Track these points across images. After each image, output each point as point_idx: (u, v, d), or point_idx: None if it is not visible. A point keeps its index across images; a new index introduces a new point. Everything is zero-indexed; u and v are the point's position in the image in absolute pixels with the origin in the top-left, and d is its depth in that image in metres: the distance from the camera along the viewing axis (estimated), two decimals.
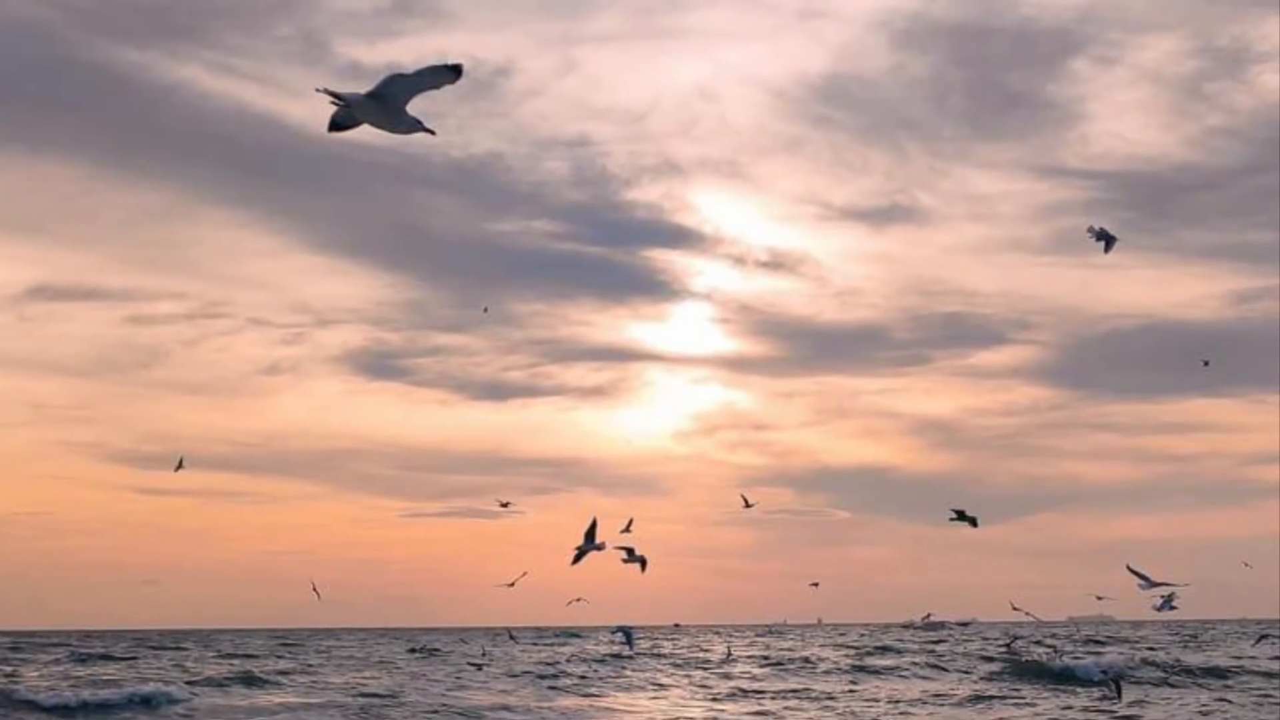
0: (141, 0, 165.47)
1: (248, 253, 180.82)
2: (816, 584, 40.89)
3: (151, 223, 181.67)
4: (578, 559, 16.68)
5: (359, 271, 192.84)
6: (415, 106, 8.90)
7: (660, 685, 32.35)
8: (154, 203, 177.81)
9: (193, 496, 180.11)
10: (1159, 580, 19.28)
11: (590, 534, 16.59)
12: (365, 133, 9.23)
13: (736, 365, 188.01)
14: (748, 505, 25.90)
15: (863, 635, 77.68)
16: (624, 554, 18.34)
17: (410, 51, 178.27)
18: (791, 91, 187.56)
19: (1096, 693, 27.39)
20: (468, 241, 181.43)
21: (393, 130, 9.14)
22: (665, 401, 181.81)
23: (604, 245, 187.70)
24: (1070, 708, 24.37)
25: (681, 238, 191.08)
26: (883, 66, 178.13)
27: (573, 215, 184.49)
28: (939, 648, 51.73)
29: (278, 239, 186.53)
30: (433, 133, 9.15)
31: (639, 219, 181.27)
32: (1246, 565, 30.37)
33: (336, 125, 9.12)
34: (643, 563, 18.51)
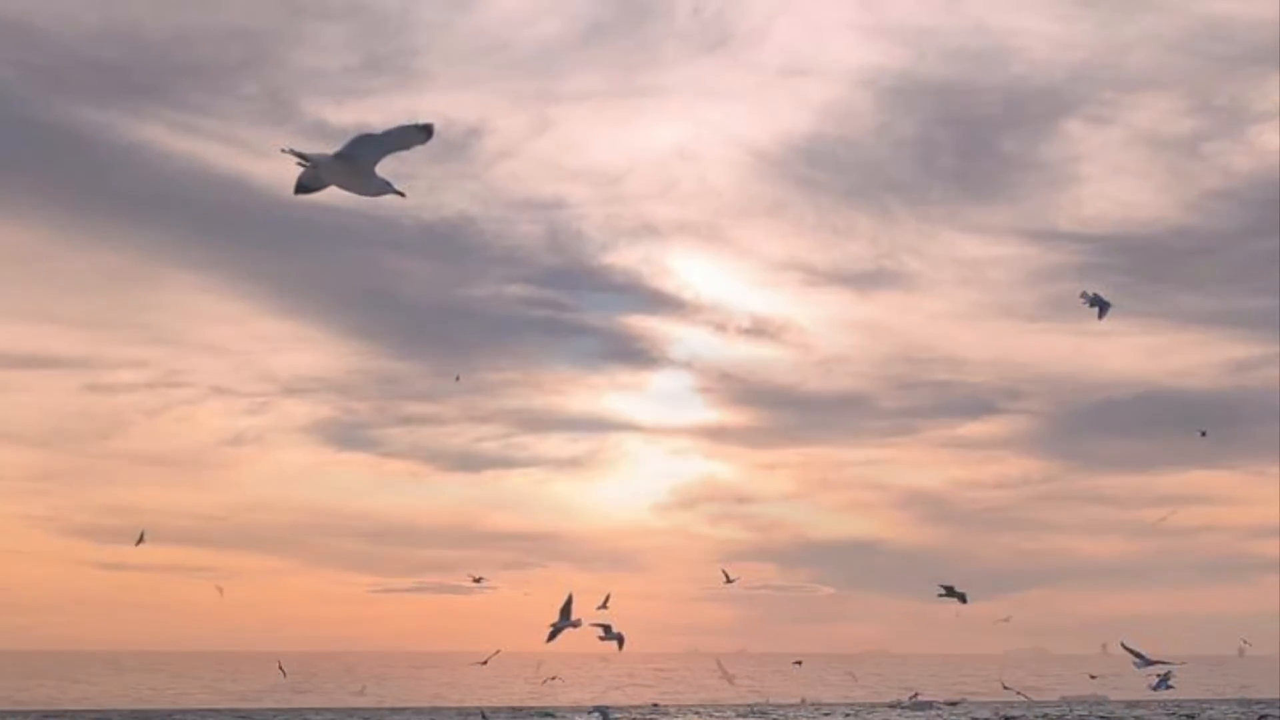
0: (102, 58, 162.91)
1: (211, 318, 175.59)
2: (799, 662, 40.12)
3: (111, 287, 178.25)
4: (553, 636, 16.19)
5: (326, 338, 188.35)
6: (384, 167, 8.64)
7: None
8: (114, 266, 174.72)
9: (155, 572, 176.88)
10: (1154, 659, 18.86)
11: (566, 610, 16.13)
12: (333, 194, 8.95)
13: (718, 435, 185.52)
14: (729, 581, 25.41)
15: (848, 716, 75.97)
16: (601, 631, 17.85)
17: (379, 111, 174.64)
18: (774, 152, 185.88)
19: None
20: (439, 307, 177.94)
21: (361, 192, 8.90)
22: (644, 473, 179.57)
23: (580, 311, 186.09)
24: None
25: (661, 303, 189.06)
26: (869, 126, 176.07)
27: (548, 280, 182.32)
28: None
29: (242, 304, 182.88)
30: (402, 194, 8.91)
31: (616, 284, 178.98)
32: (1245, 644, 29.84)
33: (303, 188, 8.87)
34: (620, 640, 18.00)
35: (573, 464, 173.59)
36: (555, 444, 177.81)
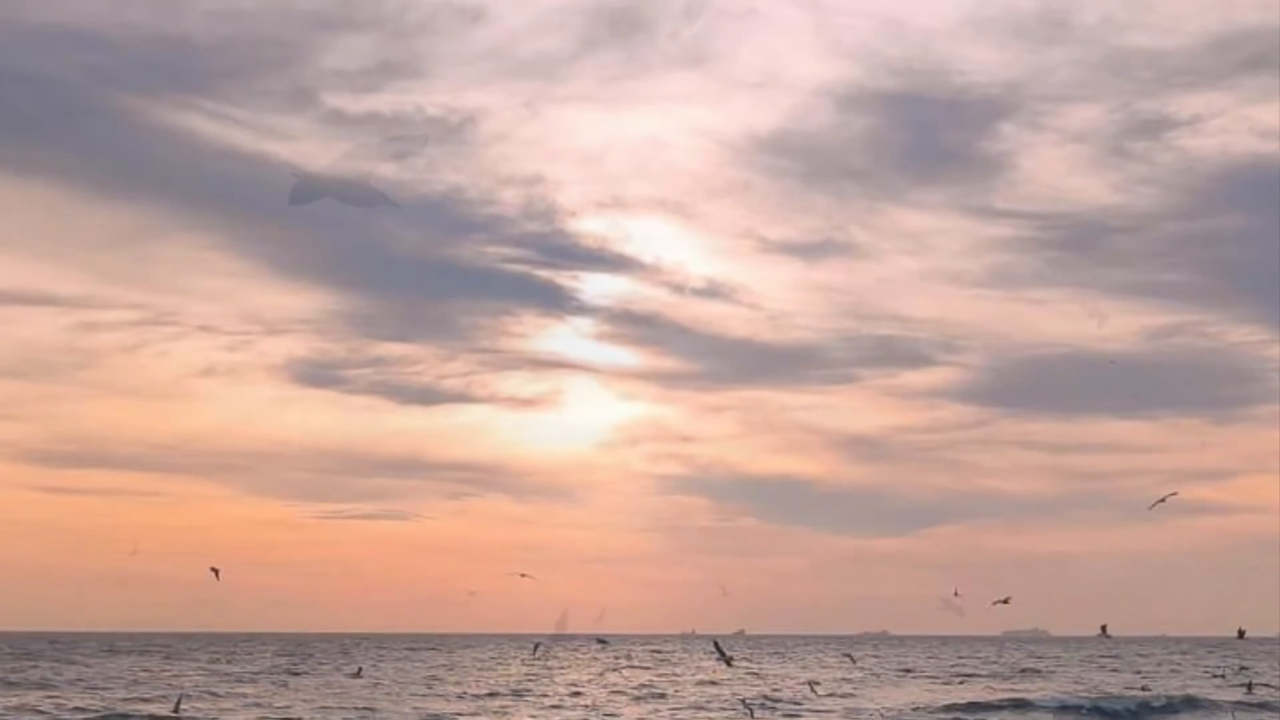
0: (152, 58, 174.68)
1: (209, 276, 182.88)
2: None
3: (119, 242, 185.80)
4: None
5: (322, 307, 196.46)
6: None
7: None
8: (128, 224, 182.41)
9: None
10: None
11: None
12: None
13: (668, 381, 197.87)
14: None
15: None
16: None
17: (388, 105, 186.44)
18: (741, 144, 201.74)
19: None
20: (424, 266, 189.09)
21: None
22: (592, 412, 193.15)
23: (553, 270, 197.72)
24: None
25: (625, 266, 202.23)
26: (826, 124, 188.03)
27: (524, 242, 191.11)
28: None
29: (242, 266, 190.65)
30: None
31: (585, 248, 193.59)
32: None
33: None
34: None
35: (527, 403, 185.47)
36: (514, 383, 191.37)
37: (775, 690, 44.37)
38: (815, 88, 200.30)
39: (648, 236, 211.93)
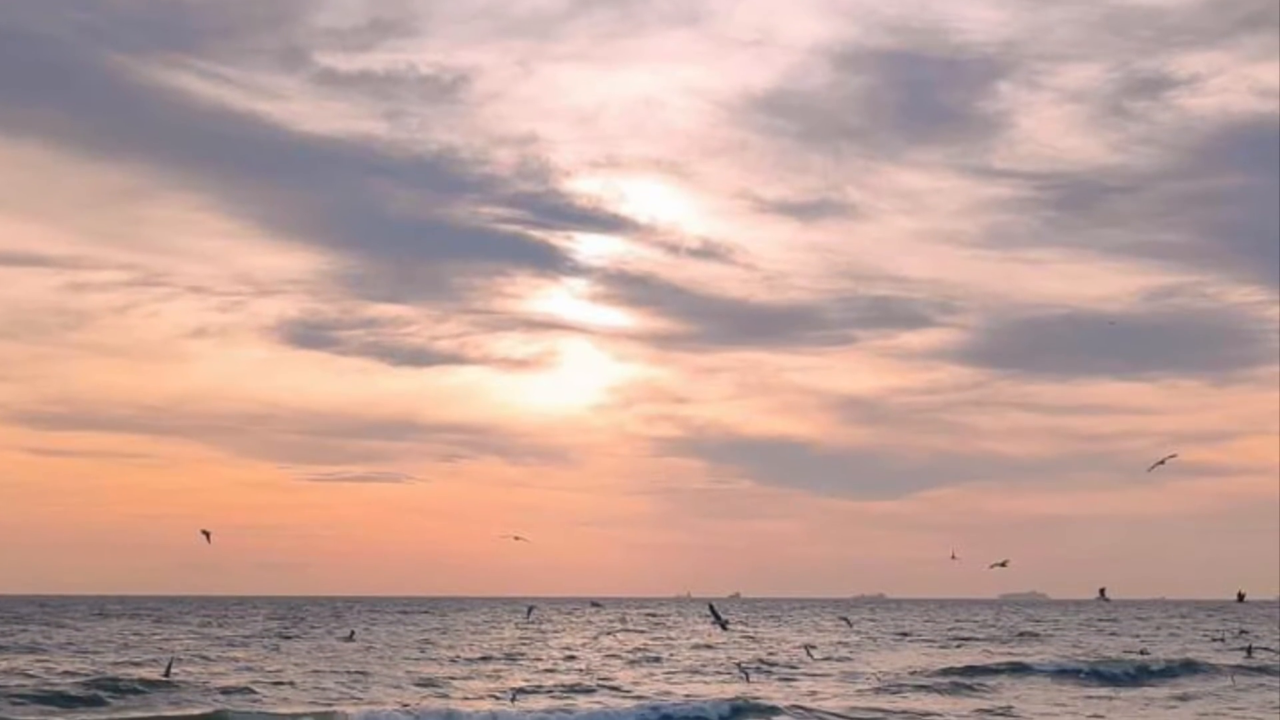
0: (145, 16, 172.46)
1: (202, 234, 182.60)
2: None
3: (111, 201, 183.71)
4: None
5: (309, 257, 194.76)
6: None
7: None
8: (119, 183, 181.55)
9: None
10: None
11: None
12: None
13: (663, 341, 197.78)
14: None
15: None
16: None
17: (380, 63, 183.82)
18: (736, 103, 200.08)
19: None
20: (418, 225, 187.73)
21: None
22: (587, 373, 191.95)
23: (547, 230, 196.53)
24: None
25: (619, 226, 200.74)
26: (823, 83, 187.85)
27: (517, 203, 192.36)
28: None
29: (236, 224, 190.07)
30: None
31: (580, 208, 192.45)
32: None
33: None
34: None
35: (521, 365, 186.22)
36: (507, 345, 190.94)
37: (771, 654, 44.01)
38: (811, 46, 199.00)
39: (642, 196, 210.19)
